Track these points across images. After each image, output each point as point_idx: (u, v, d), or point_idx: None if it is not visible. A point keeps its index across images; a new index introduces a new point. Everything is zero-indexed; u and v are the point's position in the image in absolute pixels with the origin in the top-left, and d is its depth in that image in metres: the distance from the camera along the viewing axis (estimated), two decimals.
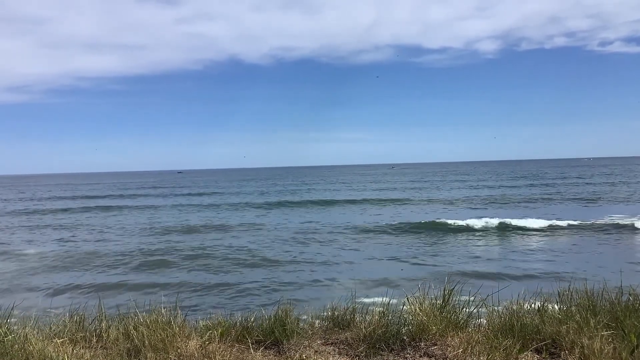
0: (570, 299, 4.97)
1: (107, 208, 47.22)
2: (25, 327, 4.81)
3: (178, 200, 55.49)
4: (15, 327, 4.83)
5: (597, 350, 4.01)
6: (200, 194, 68.13)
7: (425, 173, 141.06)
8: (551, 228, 26.04)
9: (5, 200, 66.67)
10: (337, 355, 4.56)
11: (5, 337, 4.53)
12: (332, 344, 4.80)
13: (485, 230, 26.29)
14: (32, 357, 4.22)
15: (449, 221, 28.17)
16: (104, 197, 67.17)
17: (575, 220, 27.39)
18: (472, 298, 5.01)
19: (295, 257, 20.46)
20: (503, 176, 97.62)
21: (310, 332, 4.95)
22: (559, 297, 5.06)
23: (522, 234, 24.99)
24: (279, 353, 4.62)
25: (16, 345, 4.39)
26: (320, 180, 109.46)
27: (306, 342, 4.74)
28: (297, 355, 4.49)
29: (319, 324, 5.20)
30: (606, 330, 4.23)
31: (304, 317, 5.23)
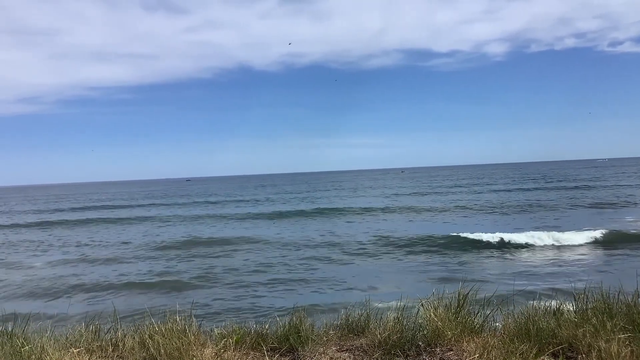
0: (586, 301, 4.94)
1: (115, 220, 46.49)
2: (42, 337, 4.84)
3: (186, 211, 55.00)
4: (32, 337, 4.87)
5: (614, 353, 3.98)
6: (207, 203, 67.52)
7: (435, 177, 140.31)
8: (579, 243, 23.72)
9: (12, 212, 66.97)
10: None
11: (22, 347, 4.57)
12: (347, 350, 4.79)
13: (507, 246, 23.97)
14: None
15: (468, 235, 25.80)
16: (113, 207, 67.03)
17: (601, 229, 25.32)
18: (487, 302, 4.99)
19: (305, 275, 19.47)
20: (516, 179, 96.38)
21: (325, 339, 4.95)
22: (575, 300, 5.03)
23: (545, 250, 22.89)
24: None
25: (33, 356, 4.43)
26: (330, 187, 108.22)
27: (321, 349, 4.74)
28: None
29: (333, 330, 5.20)
30: (623, 333, 4.20)
31: (318, 324, 5.23)
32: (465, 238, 25.63)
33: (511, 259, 21.49)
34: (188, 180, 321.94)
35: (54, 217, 52.69)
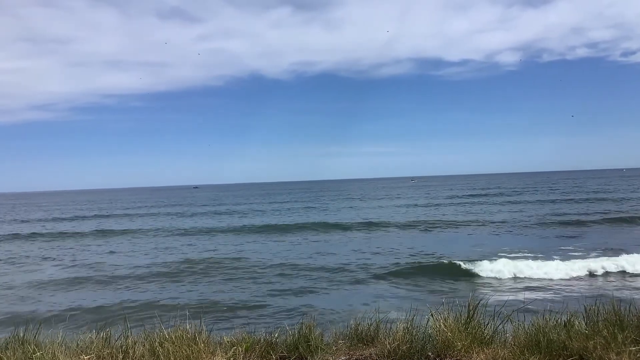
0: (597, 314, 4.90)
1: (118, 232, 43.78)
2: (53, 343, 4.88)
3: (187, 223, 50.99)
4: (43, 344, 4.90)
5: None
6: (211, 214, 64.32)
7: (445, 186, 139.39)
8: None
9: (21, 220, 66.77)
10: None
11: (34, 354, 4.60)
12: None
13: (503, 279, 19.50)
14: None
15: (460, 263, 21.34)
16: (117, 216, 65.70)
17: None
18: (497, 313, 4.97)
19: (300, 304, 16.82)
20: (530, 189, 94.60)
21: (334, 348, 4.95)
22: (586, 312, 5.00)
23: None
24: None
25: None
26: (339, 196, 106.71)
27: (330, 358, 4.74)
28: None
29: (342, 340, 5.20)
30: (634, 346, 4.17)
31: (327, 334, 5.22)
32: (454, 268, 21.19)
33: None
34: (195, 187, 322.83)
35: (63, 228, 51.51)
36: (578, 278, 19.13)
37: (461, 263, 21.38)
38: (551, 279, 18.97)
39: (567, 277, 19.12)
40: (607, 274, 19.42)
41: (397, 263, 23.08)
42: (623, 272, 19.46)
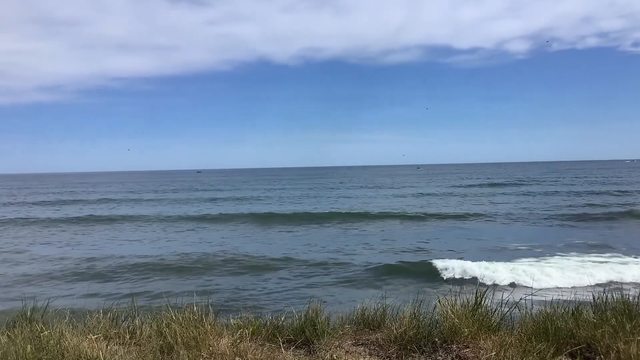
0: (605, 303, 4.89)
1: (121, 218, 41.97)
2: (61, 323, 4.90)
3: (185, 210, 48.52)
4: (51, 323, 4.93)
5: (633, 355, 3.95)
6: (211, 200, 62.89)
7: (451, 175, 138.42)
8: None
9: (19, 203, 66.34)
10: (368, 356, 4.56)
11: (42, 332, 4.63)
12: (362, 344, 4.80)
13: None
14: (67, 352, 4.30)
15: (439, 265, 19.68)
16: (121, 200, 64.18)
17: None
18: (505, 301, 4.97)
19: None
20: (537, 179, 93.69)
21: (340, 332, 4.95)
22: (594, 301, 4.99)
23: None
24: (310, 353, 4.63)
25: (52, 341, 4.48)
26: (342, 184, 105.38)
27: (337, 342, 4.75)
28: (328, 355, 4.49)
29: (349, 324, 5.21)
30: None
31: (334, 318, 5.23)
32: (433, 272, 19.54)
33: None
34: (198, 172, 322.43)
35: (66, 212, 50.41)
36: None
37: (456, 262, 20.20)
38: (544, 283, 17.27)
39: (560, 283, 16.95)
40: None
41: (390, 263, 21.47)
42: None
